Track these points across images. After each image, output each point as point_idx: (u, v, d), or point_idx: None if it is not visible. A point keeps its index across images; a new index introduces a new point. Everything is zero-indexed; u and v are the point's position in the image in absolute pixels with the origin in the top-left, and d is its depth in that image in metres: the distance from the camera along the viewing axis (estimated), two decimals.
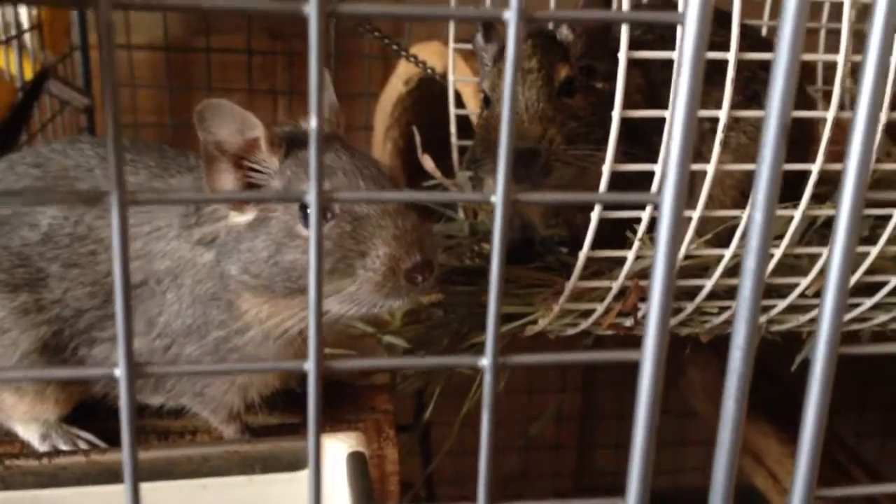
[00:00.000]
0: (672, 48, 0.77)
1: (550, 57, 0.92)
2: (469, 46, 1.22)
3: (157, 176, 0.80)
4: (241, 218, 0.74)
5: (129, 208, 0.35)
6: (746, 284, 0.40)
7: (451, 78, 1.23)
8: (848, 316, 0.93)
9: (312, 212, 0.36)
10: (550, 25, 1.00)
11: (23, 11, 1.27)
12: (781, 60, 0.38)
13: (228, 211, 0.74)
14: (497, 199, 0.37)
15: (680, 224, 0.38)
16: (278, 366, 0.39)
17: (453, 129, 1.22)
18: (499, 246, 0.38)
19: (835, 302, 0.41)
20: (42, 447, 0.84)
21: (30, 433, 0.84)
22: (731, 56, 0.76)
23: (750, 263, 0.41)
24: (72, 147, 0.82)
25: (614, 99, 0.76)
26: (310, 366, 0.38)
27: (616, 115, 0.74)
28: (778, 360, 1.47)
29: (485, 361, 0.40)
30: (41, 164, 0.81)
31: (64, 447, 0.83)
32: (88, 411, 0.87)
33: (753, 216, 0.39)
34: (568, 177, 0.91)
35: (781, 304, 0.90)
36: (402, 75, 1.42)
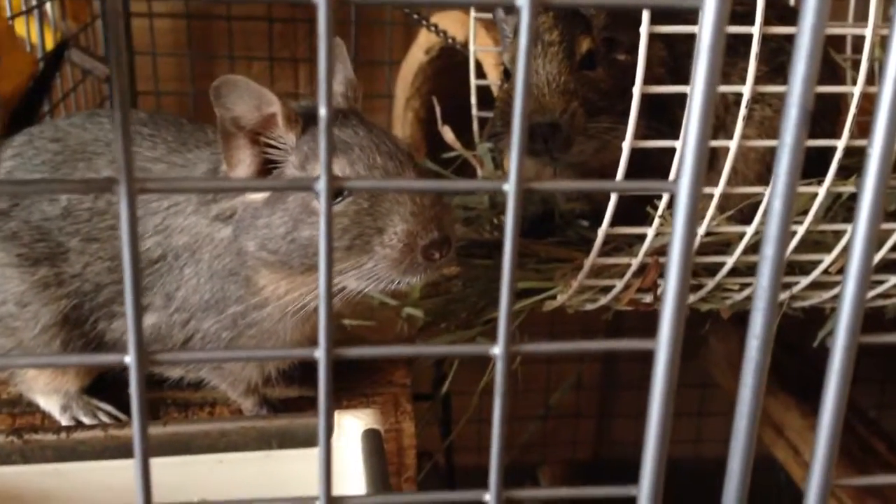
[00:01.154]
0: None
1: (572, 29, 0.90)
2: (490, 15, 1.20)
3: (174, 151, 0.80)
4: (259, 194, 0.73)
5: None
6: (765, 273, 0.40)
7: (472, 48, 1.21)
8: (871, 293, 0.91)
9: (322, 199, 0.36)
10: None
11: None
12: (805, 34, 0.37)
13: None
14: (510, 187, 0.37)
15: (695, 213, 0.37)
16: (288, 354, 0.39)
17: (474, 99, 1.21)
18: (512, 234, 0.37)
19: (857, 285, 0.40)
20: (62, 418, 0.85)
21: (51, 405, 0.85)
22: (755, 30, 0.74)
23: (769, 251, 0.40)
24: (90, 121, 0.82)
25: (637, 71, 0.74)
26: (320, 353, 0.38)
27: (637, 90, 0.73)
28: (800, 332, 1.46)
29: (497, 350, 0.39)
30: (60, 138, 0.81)
31: (84, 419, 0.84)
32: (109, 383, 0.88)
33: (772, 204, 0.39)
34: (589, 150, 0.91)
35: (804, 281, 0.89)
36: (424, 44, 1.40)
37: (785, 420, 1.53)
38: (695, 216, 0.37)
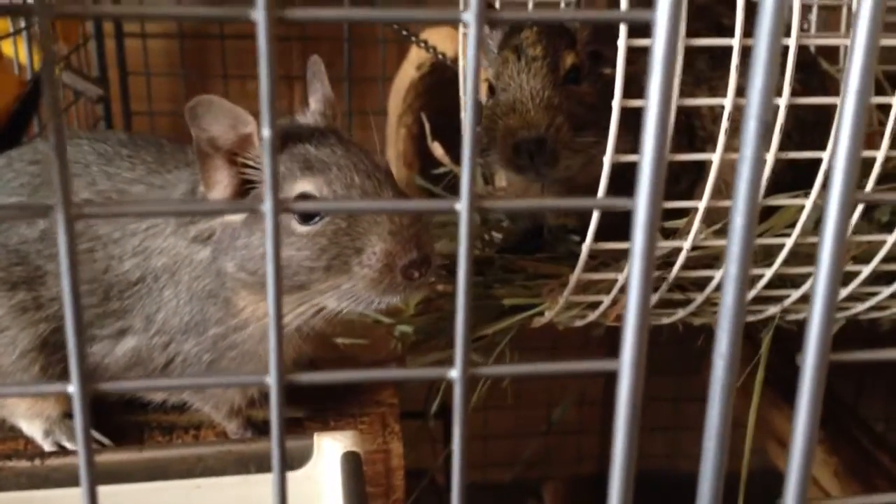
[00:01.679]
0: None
1: (556, 44, 0.90)
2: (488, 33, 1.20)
3: (153, 171, 0.79)
4: (237, 215, 0.73)
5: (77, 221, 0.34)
6: (729, 291, 0.38)
7: (461, 63, 1.21)
8: (864, 305, 0.90)
9: (268, 223, 0.35)
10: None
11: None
12: (761, 44, 0.37)
13: None
14: (461, 206, 0.36)
15: (655, 229, 0.36)
16: (238, 380, 0.38)
17: (463, 114, 1.20)
18: (465, 255, 0.36)
19: (825, 299, 0.38)
20: (45, 443, 0.84)
21: (33, 430, 0.84)
22: (735, 42, 0.73)
23: (732, 269, 0.39)
24: (70, 143, 0.82)
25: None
26: (271, 380, 0.37)
27: (616, 104, 0.72)
28: (801, 343, 1.43)
29: (454, 373, 0.38)
30: (39, 160, 0.81)
31: (67, 444, 0.83)
32: (94, 406, 0.86)
33: (734, 220, 0.37)
34: (576, 166, 0.90)
35: (795, 294, 0.87)
36: (415, 60, 1.40)
37: (788, 432, 1.51)
38: (654, 232, 0.35)
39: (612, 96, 0.80)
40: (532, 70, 0.88)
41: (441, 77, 1.35)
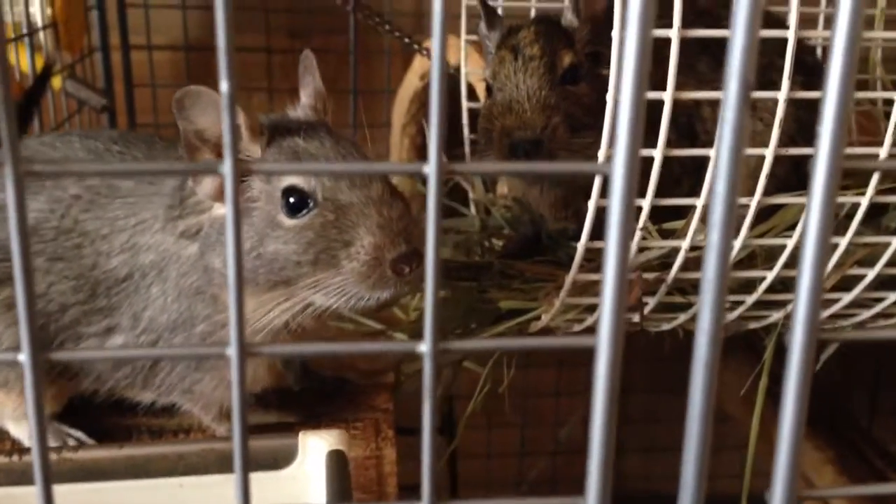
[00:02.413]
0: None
1: (553, 44, 0.89)
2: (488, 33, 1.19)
3: None
4: (224, 209, 0.71)
5: (26, 181, 0.32)
6: (707, 297, 0.37)
7: (463, 70, 1.20)
8: (869, 312, 0.88)
9: (227, 186, 0.33)
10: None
11: (36, 11, 1.27)
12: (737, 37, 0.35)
13: (212, 203, 0.73)
14: (430, 169, 0.34)
15: (633, 190, 0.34)
16: (195, 352, 0.37)
17: (465, 121, 1.19)
18: (434, 222, 0.35)
19: (808, 297, 0.37)
20: (31, 445, 0.82)
21: (20, 431, 0.83)
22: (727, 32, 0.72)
23: (710, 274, 0.37)
24: (61, 140, 0.81)
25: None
26: (232, 351, 0.35)
27: (610, 98, 0.70)
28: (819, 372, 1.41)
29: (423, 347, 0.37)
30: (28, 157, 0.80)
31: (53, 445, 0.82)
32: (80, 409, 0.85)
33: (712, 206, 0.36)
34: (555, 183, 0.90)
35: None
36: (418, 70, 1.39)
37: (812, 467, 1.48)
38: (632, 193, 0.34)
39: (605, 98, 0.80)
40: (529, 70, 0.87)
41: (445, 87, 1.34)
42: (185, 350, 0.38)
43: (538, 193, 0.98)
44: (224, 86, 0.32)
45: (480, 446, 1.88)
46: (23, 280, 0.33)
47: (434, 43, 0.33)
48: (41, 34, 1.28)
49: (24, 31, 1.22)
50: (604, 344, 0.36)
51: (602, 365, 0.37)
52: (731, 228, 0.37)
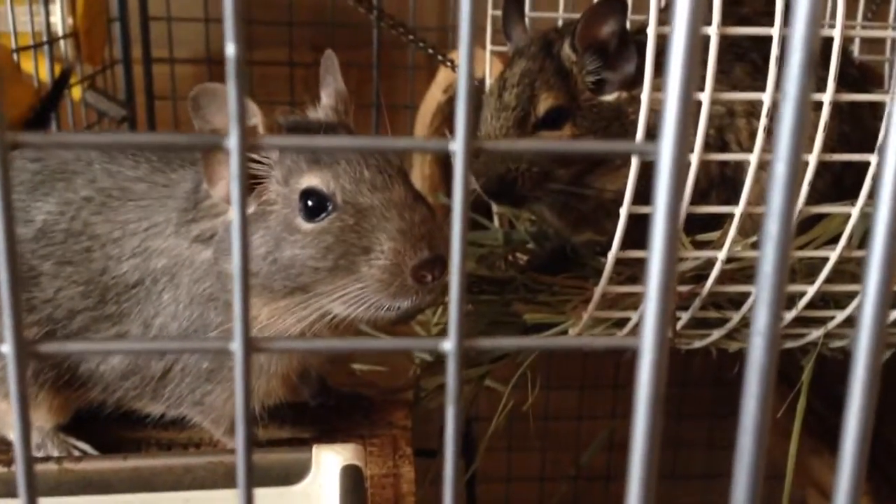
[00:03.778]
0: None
1: (535, 88, 0.88)
2: (506, 49, 1.16)
3: (157, 170, 0.76)
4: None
5: (11, 158, 0.29)
6: (761, 317, 0.33)
7: (487, 82, 1.17)
8: None
9: (233, 162, 0.30)
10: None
11: (57, 20, 1.26)
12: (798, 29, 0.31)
13: (227, 206, 0.70)
14: (457, 146, 0.31)
15: (683, 175, 0.31)
16: (200, 346, 0.33)
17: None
18: (461, 204, 0.32)
19: (875, 313, 0.33)
20: (36, 456, 0.79)
21: None
22: (775, 31, 0.69)
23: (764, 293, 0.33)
24: None
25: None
26: (236, 346, 0.32)
27: (645, 96, 0.67)
28: (842, 384, 1.35)
29: (448, 345, 0.33)
30: (40, 158, 0.77)
31: (56, 456, 0.79)
32: (86, 420, 0.82)
33: (768, 217, 0.32)
34: (558, 205, 0.90)
35: (840, 316, 0.81)
36: (442, 83, 1.37)
37: (829, 480, 1.43)
38: (683, 168, 0.30)
39: (612, 125, 0.80)
40: (501, 118, 0.87)
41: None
42: (188, 344, 0.36)
43: (557, 214, 0.95)
44: (230, 49, 0.29)
45: (500, 470, 1.83)
46: (6, 262, 0.30)
47: (462, 20, 0.30)
48: (62, 44, 1.26)
49: (44, 39, 1.21)
50: (648, 343, 0.33)
51: (645, 370, 0.33)
52: (791, 227, 0.33)
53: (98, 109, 1.38)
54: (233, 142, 0.30)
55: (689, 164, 0.32)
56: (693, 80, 0.31)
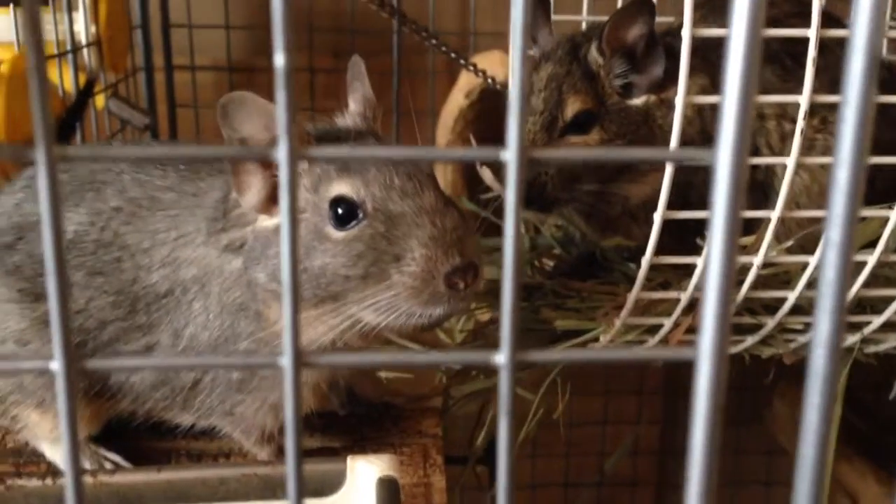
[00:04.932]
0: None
1: (562, 91, 0.87)
2: (532, 53, 1.16)
3: (186, 179, 0.75)
4: (270, 221, 0.68)
5: (58, 167, 0.29)
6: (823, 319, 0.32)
7: (511, 87, 1.16)
8: None
9: (282, 172, 0.30)
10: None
11: (81, 28, 1.26)
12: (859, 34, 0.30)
13: (257, 215, 0.69)
14: (510, 155, 0.31)
15: (741, 181, 0.30)
16: (245, 362, 0.33)
17: None
18: (514, 214, 0.31)
19: None
20: None
21: (56, 453, 0.80)
22: (812, 33, 0.68)
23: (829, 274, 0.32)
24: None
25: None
26: (286, 361, 0.31)
27: (679, 104, 0.66)
28: (874, 392, 1.34)
29: (501, 358, 0.32)
30: (70, 168, 0.77)
31: (89, 468, 0.78)
32: (117, 431, 0.82)
33: (829, 225, 0.31)
34: (585, 210, 0.89)
35: (877, 321, 0.80)
36: (464, 88, 1.36)
37: (860, 488, 1.41)
38: (742, 175, 0.29)
39: (640, 129, 0.80)
40: (528, 123, 0.86)
41: (490, 105, 1.31)
42: (235, 360, 0.35)
43: (584, 218, 0.94)
44: (279, 59, 0.29)
45: (524, 476, 1.82)
46: (56, 281, 0.29)
47: (514, 21, 0.29)
48: (85, 52, 1.26)
49: (68, 48, 1.21)
50: (706, 354, 0.32)
51: (703, 381, 0.32)
52: (853, 233, 0.32)
53: (121, 118, 1.38)
54: (282, 153, 0.30)
55: (747, 170, 0.31)
56: (753, 82, 0.30)
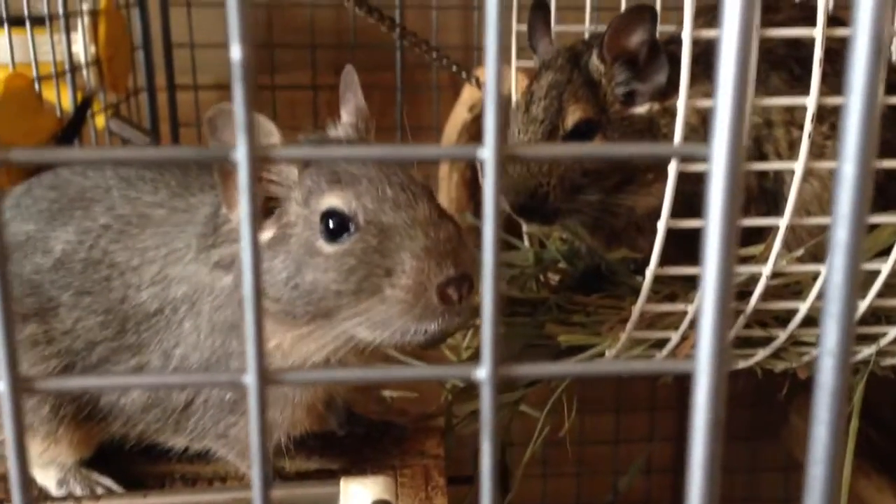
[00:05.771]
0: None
1: (563, 100, 0.85)
2: (532, 63, 1.14)
3: (177, 195, 0.74)
4: (262, 237, 0.66)
5: None
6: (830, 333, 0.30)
7: (514, 98, 1.14)
8: None
9: (241, 174, 0.28)
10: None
11: (80, 49, 1.25)
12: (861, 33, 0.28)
13: None
14: (487, 153, 0.28)
15: (737, 179, 0.28)
16: (210, 379, 0.30)
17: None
18: (493, 218, 0.29)
19: None
20: (58, 493, 0.77)
21: (47, 478, 0.78)
22: (817, 32, 0.65)
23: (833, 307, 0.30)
24: (92, 168, 0.77)
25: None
26: (249, 379, 0.29)
27: (681, 106, 0.64)
28: (892, 407, 1.30)
29: (481, 373, 0.30)
30: (58, 186, 0.76)
31: (80, 493, 0.76)
32: (109, 455, 0.80)
33: (836, 224, 0.29)
34: (588, 219, 0.87)
35: (893, 332, 0.77)
36: (467, 101, 1.34)
37: (878, 503, 1.38)
38: (738, 177, 0.27)
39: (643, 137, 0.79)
40: (529, 132, 0.84)
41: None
42: (197, 377, 0.33)
43: (589, 231, 0.92)
44: (236, 52, 0.26)
45: (535, 496, 1.79)
46: (3, 288, 0.27)
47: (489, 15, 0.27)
48: (84, 73, 1.25)
49: (66, 68, 1.20)
50: (703, 367, 0.29)
51: (702, 394, 0.30)
52: (862, 233, 0.30)
53: (122, 137, 1.37)
54: (241, 153, 0.28)
55: (744, 170, 0.28)
56: (747, 76, 0.27)
